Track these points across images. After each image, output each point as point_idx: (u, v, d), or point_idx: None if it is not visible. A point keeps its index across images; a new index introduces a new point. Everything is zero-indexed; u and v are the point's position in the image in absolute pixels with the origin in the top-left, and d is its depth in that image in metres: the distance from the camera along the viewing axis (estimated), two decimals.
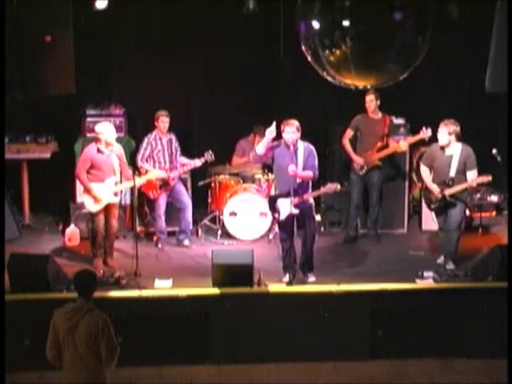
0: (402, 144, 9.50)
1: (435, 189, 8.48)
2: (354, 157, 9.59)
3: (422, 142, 9.97)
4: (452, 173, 8.44)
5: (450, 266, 8.52)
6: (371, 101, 9.52)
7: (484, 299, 7.68)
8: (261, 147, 8.02)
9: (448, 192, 8.42)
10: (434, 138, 8.82)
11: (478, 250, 8.96)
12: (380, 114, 9.63)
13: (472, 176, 8.45)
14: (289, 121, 8.03)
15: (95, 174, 8.62)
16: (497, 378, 7.12)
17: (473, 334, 7.66)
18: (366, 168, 9.55)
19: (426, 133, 9.11)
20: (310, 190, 8.18)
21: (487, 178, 8.49)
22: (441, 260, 8.66)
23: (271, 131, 7.91)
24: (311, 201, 8.19)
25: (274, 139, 8.03)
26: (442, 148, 8.49)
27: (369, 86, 8.75)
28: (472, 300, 7.73)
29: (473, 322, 7.67)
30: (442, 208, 8.56)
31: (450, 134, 8.42)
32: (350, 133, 9.68)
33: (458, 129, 8.46)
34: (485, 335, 7.61)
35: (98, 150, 8.59)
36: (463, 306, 7.71)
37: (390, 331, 7.68)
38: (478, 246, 9.22)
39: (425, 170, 8.67)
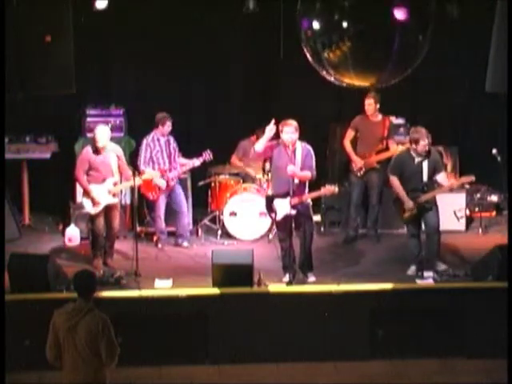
0: (400, 149, 9.41)
1: (410, 205, 8.19)
2: (354, 158, 9.59)
3: None
4: (425, 178, 8.29)
5: (442, 266, 8.46)
6: (370, 105, 9.48)
7: (484, 299, 7.68)
8: (260, 145, 8.02)
9: (425, 197, 8.25)
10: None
11: (478, 250, 8.95)
12: (380, 117, 9.60)
13: (443, 177, 8.35)
14: (287, 121, 8.03)
15: (93, 175, 8.63)
16: (497, 378, 7.10)
17: (473, 334, 7.66)
18: (363, 170, 9.55)
19: None
20: (307, 191, 8.17)
21: (470, 178, 8.37)
22: (411, 271, 8.42)
23: (270, 129, 7.92)
24: (308, 200, 8.19)
25: (273, 138, 8.04)
26: (411, 156, 8.29)
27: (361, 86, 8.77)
28: (472, 300, 7.73)
29: (473, 321, 7.67)
30: (417, 215, 8.35)
31: (429, 143, 8.24)
32: (350, 134, 9.67)
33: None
34: (485, 335, 7.60)
35: (94, 151, 8.61)
36: (463, 306, 7.71)
37: (390, 331, 7.68)
38: (478, 246, 9.21)
39: (396, 180, 8.33)
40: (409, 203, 8.24)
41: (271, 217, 8.29)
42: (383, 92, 9.46)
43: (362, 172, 9.56)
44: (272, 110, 10.55)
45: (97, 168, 8.63)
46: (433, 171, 8.31)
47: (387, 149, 9.54)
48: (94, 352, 5.37)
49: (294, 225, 8.18)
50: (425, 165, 8.28)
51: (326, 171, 10.41)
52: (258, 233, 9.75)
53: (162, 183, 9.33)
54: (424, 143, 8.19)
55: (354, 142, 9.68)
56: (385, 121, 9.60)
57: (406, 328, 7.68)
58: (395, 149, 9.43)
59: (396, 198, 8.43)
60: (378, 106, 9.49)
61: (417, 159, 8.28)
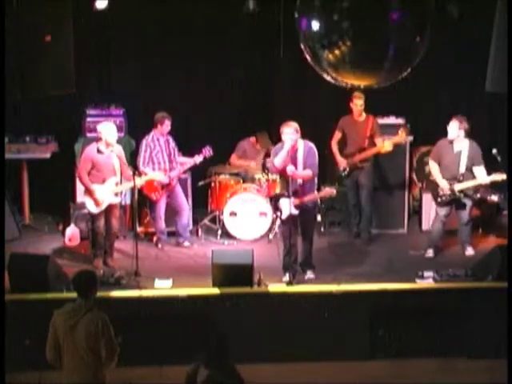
0: (386, 144, 9.45)
1: (444, 184, 8.64)
2: (338, 158, 9.62)
3: (423, 142, 9.98)
4: (462, 169, 8.65)
5: (470, 251, 8.93)
6: (361, 105, 9.50)
7: (484, 299, 7.68)
8: (279, 160, 8.03)
9: (459, 187, 8.61)
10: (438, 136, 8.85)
11: (478, 250, 8.96)
12: (364, 116, 9.62)
13: (480, 171, 8.67)
14: (288, 122, 8.08)
15: (96, 174, 8.63)
16: (497, 378, 7.11)
17: (473, 334, 7.66)
18: (347, 170, 9.54)
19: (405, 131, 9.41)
20: (316, 189, 8.21)
21: (501, 176, 8.60)
22: (430, 253, 8.86)
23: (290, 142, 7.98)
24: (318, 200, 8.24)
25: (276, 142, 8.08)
26: (451, 144, 8.62)
27: (359, 87, 8.77)
28: (472, 300, 7.73)
29: (473, 321, 7.67)
30: (449, 202, 8.75)
31: (459, 128, 8.60)
32: (337, 135, 9.71)
33: (467, 126, 8.67)
34: (485, 335, 7.61)
35: (98, 150, 8.61)
36: (463, 306, 7.71)
37: (389, 331, 7.69)
38: (477, 246, 9.21)
39: (434, 165, 8.82)
40: (442, 182, 8.65)
41: (276, 216, 8.33)
42: (383, 92, 9.45)
43: (346, 172, 9.55)
44: (272, 110, 10.57)
45: (99, 168, 8.62)
46: (471, 163, 8.66)
47: (374, 146, 9.54)
48: (93, 351, 5.37)
49: (298, 224, 8.21)
50: (463, 156, 8.62)
51: (326, 172, 10.40)
52: (258, 233, 9.75)
53: (165, 179, 9.32)
54: None
55: (342, 143, 9.69)
56: (368, 120, 9.61)
57: (405, 328, 7.69)
58: (381, 145, 9.43)
59: (432, 183, 8.82)
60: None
61: (456, 149, 8.61)
